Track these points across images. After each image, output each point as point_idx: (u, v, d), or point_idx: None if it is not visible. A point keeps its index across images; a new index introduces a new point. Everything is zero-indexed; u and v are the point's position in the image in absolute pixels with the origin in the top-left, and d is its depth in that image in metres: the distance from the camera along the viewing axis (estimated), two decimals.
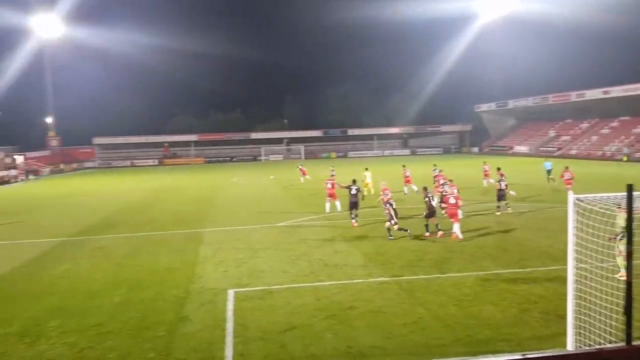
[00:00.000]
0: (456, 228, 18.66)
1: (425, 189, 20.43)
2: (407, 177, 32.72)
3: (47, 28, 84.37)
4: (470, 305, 11.74)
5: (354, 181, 23.17)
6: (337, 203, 25.48)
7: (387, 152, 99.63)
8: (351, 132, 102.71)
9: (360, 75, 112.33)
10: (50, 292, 13.89)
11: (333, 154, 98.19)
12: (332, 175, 31.17)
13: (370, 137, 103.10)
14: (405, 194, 31.54)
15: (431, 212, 19.42)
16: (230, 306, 12.08)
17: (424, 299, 12.25)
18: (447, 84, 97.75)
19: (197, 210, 28.90)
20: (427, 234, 19.18)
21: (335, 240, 19.13)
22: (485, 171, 35.86)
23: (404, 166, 34.78)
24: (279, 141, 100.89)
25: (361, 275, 14.33)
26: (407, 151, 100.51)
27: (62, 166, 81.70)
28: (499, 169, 27.10)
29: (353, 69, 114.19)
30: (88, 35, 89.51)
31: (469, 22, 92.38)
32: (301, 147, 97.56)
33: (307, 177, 43.87)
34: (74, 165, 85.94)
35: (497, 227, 20.75)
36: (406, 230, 18.81)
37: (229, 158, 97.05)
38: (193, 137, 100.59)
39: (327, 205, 25.50)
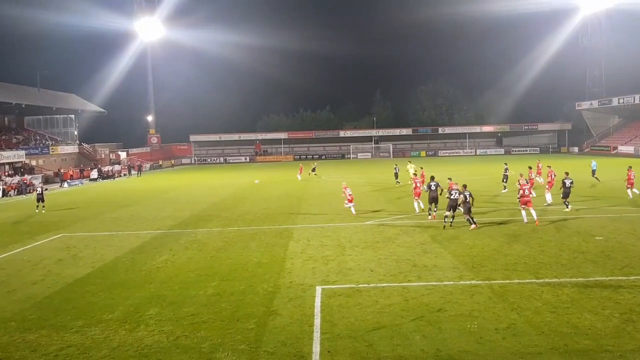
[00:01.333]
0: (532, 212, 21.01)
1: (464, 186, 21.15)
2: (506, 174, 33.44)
3: (149, 31, 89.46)
4: (567, 312, 11.11)
5: (432, 177, 23.65)
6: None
7: (480, 151, 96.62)
8: (442, 130, 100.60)
9: (452, 72, 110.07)
10: (149, 281, 14.68)
11: (423, 153, 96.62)
12: (414, 174, 30.80)
13: (462, 136, 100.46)
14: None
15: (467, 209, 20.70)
16: (318, 302, 12.18)
17: (517, 304, 11.74)
18: (545, 81, 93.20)
19: (286, 206, 29.44)
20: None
21: (425, 241, 18.77)
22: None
23: (505, 163, 35.67)
24: (367, 139, 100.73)
25: (451, 278, 13.96)
26: (501, 150, 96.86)
27: (161, 162, 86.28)
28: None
29: (444, 66, 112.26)
30: (185, 36, 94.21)
31: (568, 15, 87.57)
32: (390, 146, 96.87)
33: (302, 175, 47.34)
34: (172, 161, 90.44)
35: (599, 231, 19.46)
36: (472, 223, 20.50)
37: (317, 156, 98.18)
38: (283, 135, 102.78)
39: (416, 205, 25.11)
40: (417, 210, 24.94)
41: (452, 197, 20.71)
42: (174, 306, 12.35)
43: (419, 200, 25.15)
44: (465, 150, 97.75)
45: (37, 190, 31.69)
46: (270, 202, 31.76)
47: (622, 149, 79.57)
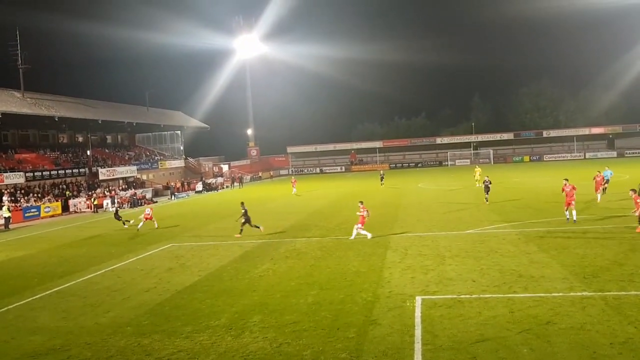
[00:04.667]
0: None
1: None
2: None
3: (247, 48, 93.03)
4: None
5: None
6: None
7: (589, 155, 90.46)
8: (547, 133, 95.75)
9: (554, 72, 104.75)
10: (252, 289, 15.18)
11: (526, 158, 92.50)
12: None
13: (569, 139, 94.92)
14: None
15: None
16: (418, 313, 12.01)
17: (634, 317, 10.91)
18: None
19: (384, 215, 29.30)
20: None
21: (531, 251, 17.94)
22: None
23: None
24: (465, 145, 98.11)
25: (561, 289, 13.23)
26: (613, 153, 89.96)
27: (260, 174, 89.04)
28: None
29: (545, 65, 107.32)
30: (281, 52, 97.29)
31: None
32: (490, 151, 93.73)
33: (295, 190, 46.79)
34: (271, 173, 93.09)
35: None
36: None
37: (413, 164, 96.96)
38: (377, 144, 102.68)
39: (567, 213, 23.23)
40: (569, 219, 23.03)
41: None
42: (276, 314, 12.68)
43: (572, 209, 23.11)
44: (573, 154, 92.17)
45: (114, 208, 33.17)
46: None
47: None
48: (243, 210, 25.19)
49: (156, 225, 30.07)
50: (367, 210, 22.54)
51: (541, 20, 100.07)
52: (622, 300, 12.07)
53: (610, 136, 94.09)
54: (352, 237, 22.07)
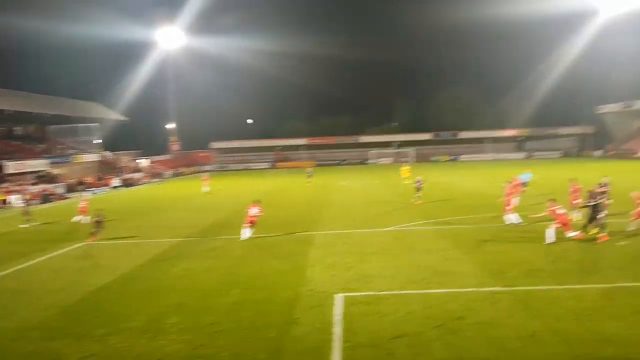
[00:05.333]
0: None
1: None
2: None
3: (170, 40, 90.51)
4: (590, 320, 10.92)
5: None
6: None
7: (501, 156, 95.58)
8: (463, 135, 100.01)
9: (472, 76, 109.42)
10: (170, 289, 14.77)
11: (445, 157, 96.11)
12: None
13: (482, 140, 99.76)
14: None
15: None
16: (339, 310, 12.14)
17: (540, 311, 11.57)
18: (566, 84, 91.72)
19: (308, 213, 29.46)
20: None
21: (446, 247, 18.62)
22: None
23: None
24: (388, 144, 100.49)
25: (473, 284, 13.82)
26: (522, 155, 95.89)
27: (182, 169, 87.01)
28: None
29: (465, 70, 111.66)
30: (204, 43, 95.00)
31: (588, 18, 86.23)
32: (412, 150, 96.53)
33: (206, 188, 45.57)
34: (193, 168, 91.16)
35: (624, 235, 19.05)
36: None
37: (338, 162, 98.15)
38: (303, 141, 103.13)
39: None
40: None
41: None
42: (194, 315, 12.42)
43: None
44: (485, 155, 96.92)
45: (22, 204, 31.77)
46: (291, 209, 31.80)
47: None
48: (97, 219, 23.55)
49: (89, 220, 28.45)
50: (258, 209, 22.17)
51: (461, 28, 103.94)
52: (529, 294, 12.76)
53: (520, 138, 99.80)
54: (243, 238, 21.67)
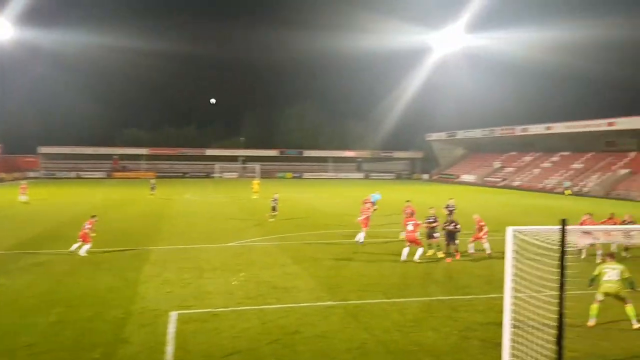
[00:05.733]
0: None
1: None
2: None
3: None
4: (412, 331, 11.82)
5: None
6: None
7: (342, 175, 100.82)
8: (307, 153, 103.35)
9: (318, 98, 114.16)
10: None
11: (289, 174, 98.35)
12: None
13: (325, 159, 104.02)
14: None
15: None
16: (172, 329, 11.74)
17: (368, 324, 12.26)
18: (402, 113, 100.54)
19: (145, 227, 28.22)
20: None
21: (286, 263, 19.00)
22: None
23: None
24: (234, 159, 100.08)
25: (309, 299, 14.25)
26: (361, 175, 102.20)
27: (2, 175, 78.31)
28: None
29: (312, 91, 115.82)
30: (38, 37, 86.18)
31: (424, 55, 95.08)
32: (257, 166, 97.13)
33: (24, 197, 40.60)
34: (16, 175, 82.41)
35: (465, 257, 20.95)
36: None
37: (181, 174, 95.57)
38: (144, 151, 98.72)
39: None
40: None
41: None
42: (9, 336, 11.21)
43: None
44: (328, 174, 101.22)
45: None
46: (127, 222, 30.23)
47: (464, 177, 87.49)
48: None
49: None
50: (90, 225, 20.55)
51: (316, 54, 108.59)
52: (360, 308, 13.49)
53: (359, 160, 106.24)
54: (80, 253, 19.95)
